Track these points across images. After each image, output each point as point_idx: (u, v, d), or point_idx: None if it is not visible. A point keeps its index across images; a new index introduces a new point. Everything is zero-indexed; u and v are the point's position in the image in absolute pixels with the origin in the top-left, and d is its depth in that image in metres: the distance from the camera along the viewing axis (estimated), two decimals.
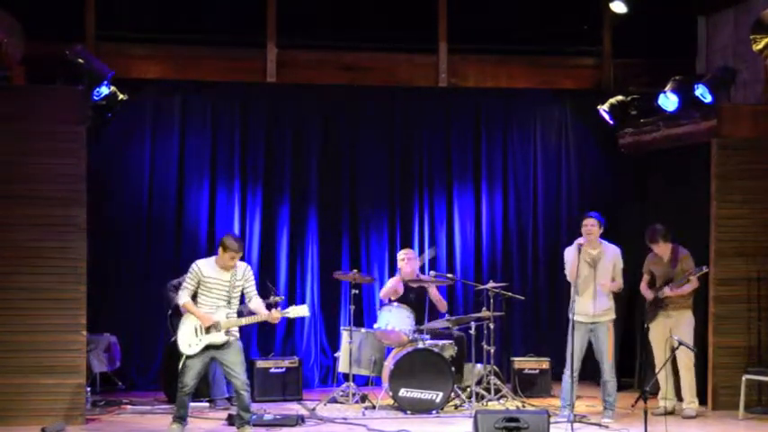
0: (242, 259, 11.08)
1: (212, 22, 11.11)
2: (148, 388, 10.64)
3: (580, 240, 9.00)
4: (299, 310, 8.52)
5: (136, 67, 11.00)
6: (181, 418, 8.38)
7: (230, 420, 8.87)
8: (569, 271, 9.10)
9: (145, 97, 11.01)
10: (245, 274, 8.40)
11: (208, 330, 8.24)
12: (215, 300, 8.30)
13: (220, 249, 8.29)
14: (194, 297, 8.33)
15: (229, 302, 8.32)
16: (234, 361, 8.30)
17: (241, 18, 11.19)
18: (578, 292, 8.99)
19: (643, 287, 9.78)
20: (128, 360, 10.75)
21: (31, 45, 9.85)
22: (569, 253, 9.12)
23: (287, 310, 8.55)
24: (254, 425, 8.65)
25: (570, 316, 8.94)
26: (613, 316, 9.17)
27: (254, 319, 8.51)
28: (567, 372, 9.04)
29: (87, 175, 9.06)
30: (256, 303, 8.45)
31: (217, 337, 8.26)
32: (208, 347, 8.27)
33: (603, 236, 9.19)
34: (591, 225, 9.05)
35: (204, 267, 8.33)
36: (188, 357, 8.27)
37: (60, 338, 8.89)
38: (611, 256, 9.13)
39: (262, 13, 11.20)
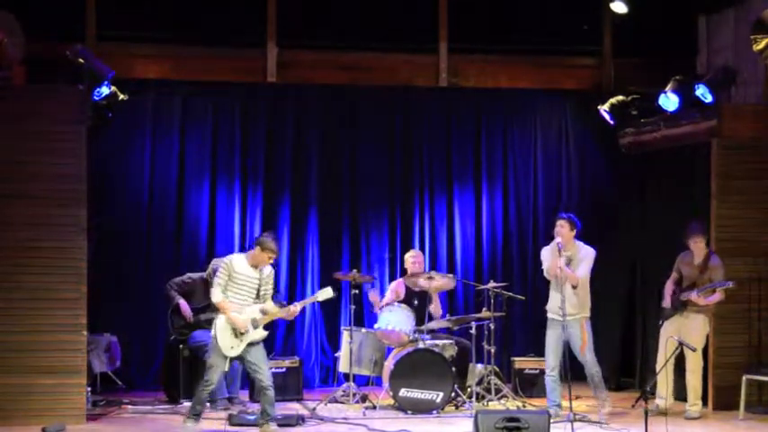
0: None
1: (212, 22, 11.11)
2: (149, 388, 10.61)
3: (558, 240, 9.06)
4: (325, 293, 8.68)
5: (136, 67, 11.01)
6: (197, 416, 8.43)
7: (230, 420, 8.87)
8: (547, 268, 9.17)
9: (145, 97, 11.00)
10: (269, 276, 8.52)
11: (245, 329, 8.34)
12: (245, 297, 8.40)
13: (258, 248, 8.37)
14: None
15: (257, 298, 8.45)
16: (260, 358, 8.40)
17: (241, 18, 11.19)
18: (552, 291, 9.17)
19: (668, 286, 9.62)
20: (128, 360, 10.73)
21: (31, 45, 9.82)
22: (546, 252, 9.24)
23: (315, 295, 8.84)
24: (254, 425, 8.64)
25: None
26: (587, 314, 9.19)
27: (276, 314, 8.57)
28: (546, 371, 9.24)
29: (87, 175, 9.06)
30: (270, 305, 8.58)
31: (257, 334, 8.37)
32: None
33: (578, 237, 9.25)
34: (560, 226, 9.13)
35: (236, 262, 8.42)
36: (225, 357, 8.33)
37: (61, 338, 8.88)
38: (585, 256, 9.16)
39: (262, 13, 11.20)
